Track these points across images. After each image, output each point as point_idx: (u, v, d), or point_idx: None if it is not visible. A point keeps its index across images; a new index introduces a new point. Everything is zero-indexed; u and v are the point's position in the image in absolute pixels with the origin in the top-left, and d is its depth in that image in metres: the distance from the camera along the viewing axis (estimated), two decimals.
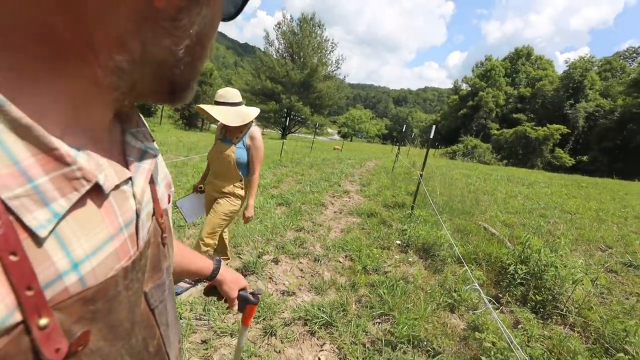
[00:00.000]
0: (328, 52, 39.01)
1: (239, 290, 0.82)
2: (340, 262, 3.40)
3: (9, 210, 0.22)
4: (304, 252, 3.47)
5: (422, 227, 4.27)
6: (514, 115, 47.65)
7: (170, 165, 6.90)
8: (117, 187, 0.32)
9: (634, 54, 52.38)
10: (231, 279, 0.80)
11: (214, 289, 0.80)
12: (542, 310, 2.79)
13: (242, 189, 2.44)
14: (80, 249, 0.27)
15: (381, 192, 6.88)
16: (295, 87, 35.91)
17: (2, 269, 0.21)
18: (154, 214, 0.39)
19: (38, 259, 0.24)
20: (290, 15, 38.90)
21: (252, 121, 2.37)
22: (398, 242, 4.02)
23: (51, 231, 0.24)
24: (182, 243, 0.67)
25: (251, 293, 0.85)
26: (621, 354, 2.15)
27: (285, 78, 35.37)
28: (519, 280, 3.04)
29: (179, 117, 33.52)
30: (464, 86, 57.46)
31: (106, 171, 0.30)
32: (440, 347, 2.20)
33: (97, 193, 0.29)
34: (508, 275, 3.13)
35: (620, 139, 35.64)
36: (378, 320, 2.48)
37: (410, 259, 3.59)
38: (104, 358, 0.30)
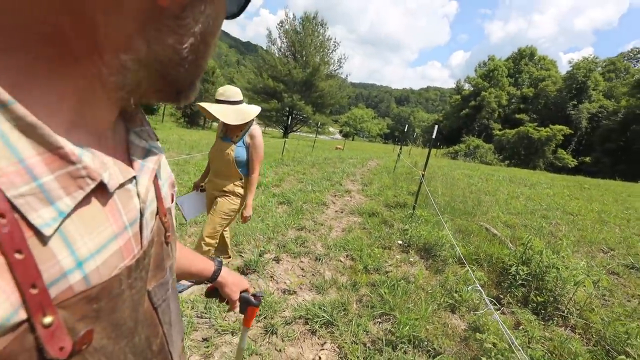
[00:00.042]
0: (330, 51, 38.96)
1: (241, 292, 0.82)
2: (341, 261, 3.40)
3: (14, 208, 0.22)
4: (305, 251, 3.47)
5: (424, 227, 4.26)
6: (517, 116, 47.51)
7: (172, 164, 6.92)
8: (121, 185, 0.32)
9: (639, 55, 52.09)
10: (232, 281, 0.79)
11: (215, 291, 0.80)
12: (543, 311, 2.78)
13: (242, 187, 2.43)
14: (85, 247, 0.27)
15: (383, 191, 6.87)
16: (297, 85, 35.88)
17: (7, 267, 0.22)
18: (157, 213, 0.39)
19: (43, 257, 0.24)
20: (293, 14, 38.87)
21: (252, 120, 2.35)
22: (399, 242, 4.02)
23: (56, 229, 0.25)
24: (182, 244, 0.67)
25: (253, 295, 0.84)
26: (622, 357, 2.14)
27: (288, 77, 35.35)
28: (520, 282, 3.04)
29: (180, 115, 33.59)
30: (467, 86, 57.36)
31: (111, 170, 0.30)
32: (440, 348, 2.20)
33: (101, 192, 0.29)
34: (509, 276, 3.12)
35: (623, 141, 35.49)
36: (379, 319, 2.48)
37: (411, 259, 3.59)
38: (107, 356, 0.30)
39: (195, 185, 2.66)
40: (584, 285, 2.72)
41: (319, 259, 3.34)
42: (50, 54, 0.25)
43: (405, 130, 15.96)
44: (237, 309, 0.83)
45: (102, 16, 0.25)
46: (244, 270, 2.91)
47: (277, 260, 3.22)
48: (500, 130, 44.40)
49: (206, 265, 0.74)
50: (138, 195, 0.35)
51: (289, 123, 35.92)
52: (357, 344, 2.16)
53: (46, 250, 0.24)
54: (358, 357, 2.04)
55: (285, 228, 4.03)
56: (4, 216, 0.21)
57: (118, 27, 0.26)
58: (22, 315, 0.22)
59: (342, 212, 5.22)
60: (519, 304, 2.89)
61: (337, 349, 2.13)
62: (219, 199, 2.40)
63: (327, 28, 38.64)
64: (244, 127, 2.36)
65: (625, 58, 51.66)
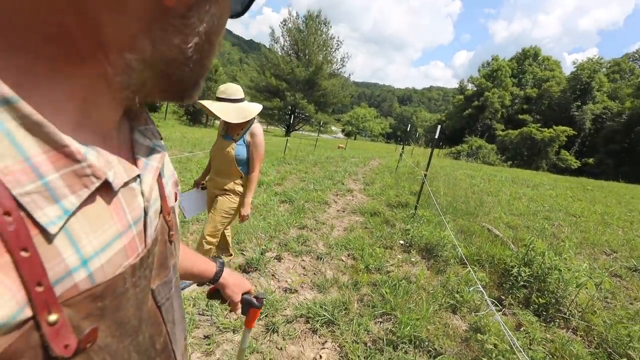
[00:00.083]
0: (333, 49, 38.93)
1: (243, 294, 0.81)
2: (342, 260, 3.40)
3: (20, 206, 0.22)
4: (307, 250, 3.48)
5: (426, 228, 4.26)
6: (520, 116, 47.33)
7: (174, 161, 6.93)
8: (125, 184, 0.32)
9: None
10: (234, 283, 0.78)
11: (217, 292, 0.79)
12: (544, 313, 2.77)
13: (242, 186, 2.42)
14: (90, 245, 0.27)
15: (385, 191, 6.87)
16: (300, 84, 35.88)
17: (13, 265, 0.22)
18: (161, 212, 0.39)
19: (48, 255, 0.24)
20: (296, 12, 38.81)
21: (254, 118, 2.33)
22: (401, 241, 4.02)
23: (61, 227, 0.25)
24: (185, 244, 0.67)
25: (255, 296, 0.83)
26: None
27: (290, 75, 35.35)
28: (522, 283, 3.03)
29: (183, 112, 33.64)
30: (470, 86, 57.15)
31: (115, 168, 0.30)
32: (441, 348, 2.20)
33: (106, 190, 0.29)
34: (511, 278, 3.11)
35: (627, 142, 35.29)
36: (380, 319, 2.48)
37: (412, 259, 3.59)
38: (111, 355, 0.30)
39: (195, 183, 2.65)
40: (586, 288, 2.71)
41: (321, 258, 3.34)
42: (55, 53, 0.25)
43: (408, 129, 15.94)
44: (239, 311, 0.82)
45: (107, 16, 0.25)
46: (245, 269, 2.92)
47: (278, 258, 3.22)
48: (503, 130, 44.23)
49: (208, 267, 0.73)
50: (142, 193, 0.35)
51: (291, 122, 35.90)
52: (358, 343, 2.16)
53: (51, 248, 0.24)
54: (359, 357, 2.04)
55: (287, 227, 4.04)
56: (10, 214, 0.21)
57: (123, 26, 0.26)
58: (28, 313, 0.23)
59: (343, 212, 5.22)
60: (520, 306, 2.89)
61: (337, 348, 2.13)
62: (219, 198, 2.40)
63: (331, 26, 38.62)
64: (245, 125, 2.34)
65: (630, 59, 51.34)
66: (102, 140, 0.30)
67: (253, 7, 0.38)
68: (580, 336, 2.58)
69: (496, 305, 2.79)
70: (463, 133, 48.99)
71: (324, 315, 2.35)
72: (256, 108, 2.33)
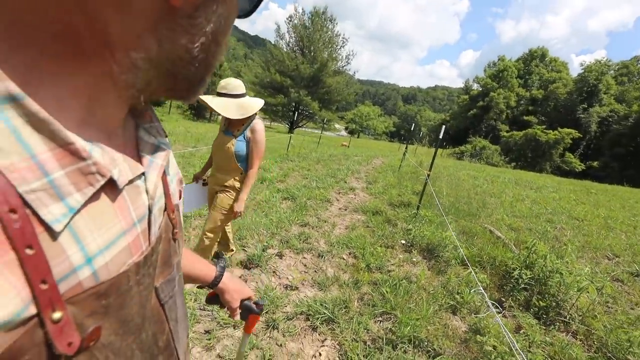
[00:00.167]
0: (339, 47, 38.74)
1: (243, 300, 0.79)
2: (343, 259, 3.40)
3: (25, 203, 0.22)
4: (308, 248, 3.48)
5: (427, 228, 4.25)
6: (525, 118, 47.03)
7: (178, 156, 6.95)
8: (130, 182, 0.32)
9: None
10: (234, 288, 0.76)
11: (216, 297, 0.77)
12: (545, 316, 2.77)
13: (241, 183, 2.40)
14: (94, 243, 0.27)
15: (387, 190, 6.86)
16: (305, 81, 35.78)
17: (18, 262, 0.22)
18: (165, 209, 0.39)
19: (53, 252, 0.24)
20: (302, 9, 38.46)
21: (255, 114, 2.29)
22: (402, 241, 4.01)
23: (66, 225, 0.25)
24: (185, 246, 0.67)
25: (255, 303, 0.81)
26: None
27: (295, 72, 35.25)
28: (522, 285, 3.02)
29: (187, 107, 33.66)
30: (475, 86, 56.83)
31: (120, 166, 0.30)
32: (440, 349, 2.20)
33: (111, 188, 0.29)
34: (512, 280, 3.11)
35: (633, 146, 35.00)
36: (380, 318, 2.49)
37: (414, 259, 3.59)
38: (115, 352, 0.30)
39: (195, 177, 2.61)
40: (588, 292, 2.70)
41: (322, 256, 3.35)
42: (62, 51, 0.25)
43: (412, 129, 15.89)
44: (237, 317, 0.80)
45: (113, 15, 0.25)
46: (247, 265, 2.93)
47: (280, 255, 3.23)
48: (507, 131, 43.97)
49: (208, 270, 0.71)
50: (147, 191, 0.35)
51: (295, 118, 35.89)
52: (357, 341, 2.17)
53: (56, 245, 0.24)
54: (358, 355, 2.05)
55: (289, 224, 4.04)
56: (16, 212, 0.21)
57: (129, 25, 0.26)
58: (32, 310, 0.23)
59: (345, 210, 5.22)
60: (520, 308, 2.88)
61: (337, 346, 2.14)
62: (219, 195, 2.38)
63: (336, 23, 38.43)
64: (246, 121, 2.30)
65: (639, 62, 50.76)
66: (107, 138, 0.30)
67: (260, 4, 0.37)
68: (580, 340, 2.57)
69: (496, 307, 2.79)
70: (467, 133, 48.77)
71: (324, 313, 2.35)
72: (257, 103, 2.28)
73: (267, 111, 36.41)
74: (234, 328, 2.12)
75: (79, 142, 0.25)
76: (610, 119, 39.81)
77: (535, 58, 52.97)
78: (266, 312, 2.31)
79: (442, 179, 9.35)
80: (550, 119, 44.27)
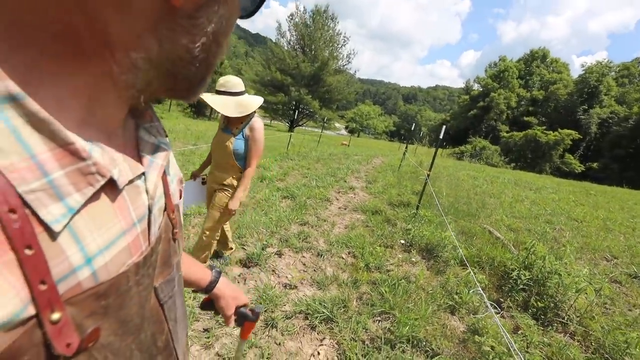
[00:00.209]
0: (340, 45, 38.72)
1: (239, 307, 0.77)
2: (343, 258, 3.40)
3: (25, 204, 0.22)
4: (308, 247, 3.48)
5: (427, 228, 4.25)
6: (525, 118, 47.07)
7: (177, 154, 6.95)
8: (130, 182, 0.32)
9: None
10: (230, 295, 0.74)
11: (211, 303, 0.74)
12: (543, 317, 2.77)
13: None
14: (94, 243, 0.27)
15: (387, 190, 6.86)
16: (305, 79, 35.75)
17: (17, 262, 0.22)
18: (165, 209, 0.39)
19: (52, 253, 0.24)
20: (304, 7, 38.38)
21: (254, 112, 2.27)
22: (402, 241, 4.02)
23: (65, 225, 0.25)
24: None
25: (251, 310, 0.79)
26: None
27: (296, 70, 35.21)
28: (521, 286, 3.03)
29: (187, 105, 33.64)
30: (476, 86, 56.84)
31: (120, 166, 0.30)
32: (439, 349, 2.21)
33: (111, 188, 0.29)
34: (511, 280, 3.11)
35: (633, 147, 35.05)
36: (378, 318, 2.49)
37: (413, 259, 3.59)
38: (114, 353, 0.30)
39: (193, 175, 2.60)
40: (586, 293, 2.70)
41: (321, 255, 3.35)
42: (62, 51, 0.25)
43: (412, 128, 15.89)
44: (232, 324, 0.78)
45: (113, 15, 0.25)
46: (246, 263, 2.93)
47: (279, 254, 3.23)
48: (507, 132, 44.03)
49: (203, 275, 0.70)
50: (147, 191, 0.35)
51: (295, 117, 35.85)
52: (356, 341, 2.17)
53: (55, 246, 0.24)
54: (356, 354, 2.05)
55: (289, 222, 4.04)
56: (15, 212, 0.21)
57: (129, 25, 0.26)
58: (31, 311, 0.23)
59: (345, 209, 5.22)
60: (519, 309, 2.88)
61: (335, 345, 2.14)
62: (217, 193, 2.37)
63: (338, 22, 38.37)
64: (245, 119, 2.28)
65: None
66: (107, 138, 0.30)
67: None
68: (578, 341, 2.58)
69: (495, 308, 2.79)
70: (467, 133, 48.80)
71: (323, 312, 2.36)
72: (256, 101, 2.26)
73: (268, 109, 36.41)
74: (232, 327, 2.12)
75: (79, 142, 0.25)
76: (610, 121, 39.84)
77: (536, 59, 52.94)
78: (265, 311, 2.32)
79: (441, 179, 9.36)
80: (551, 119, 44.32)
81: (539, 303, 2.83)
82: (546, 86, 48.61)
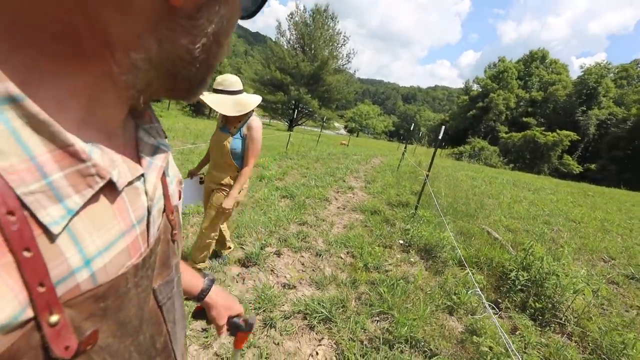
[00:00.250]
0: (339, 45, 38.69)
1: (232, 317, 0.74)
2: (341, 258, 3.40)
3: (24, 205, 0.22)
4: (306, 246, 3.48)
5: (425, 228, 4.26)
6: (524, 119, 47.19)
7: (176, 153, 6.94)
8: (129, 183, 0.32)
9: None
10: (222, 304, 0.71)
11: (203, 312, 0.71)
12: (540, 317, 2.78)
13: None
14: (93, 245, 0.27)
15: (386, 190, 6.86)
16: (305, 79, 35.73)
17: (15, 265, 0.21)
18: (164, 211, 0.39)
19: (51, 255, 0.24)
20: (304, 6, 38.30)
21: (252, 110, 2.25)
22: (400, 241, 4.02)
23: (64, 227, 0.24)
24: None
25: (244, 320, 0.75)
26: None
27: (295, 69, 35.18)
28: (519, 287, 3.03)
29: (186, 103, 33.59)
30: (475, 87, 56.92)
31: (119, 168, 0.30)
32: (437, 349, 2.21)
33: (110, 189, 0.29)
34: (509, 281, 3.12)
35: (631, 149, 35.19)
36: (377, 318, 2.49)
37: (411, 259, 3.59)
38: (112, 355, 0.30)
39: (190, 174, 2.59)
40: (583, 294, 2.71)
41: (320, 255, 3.35)
42: (62, 51, 0.25)
43: (411, 128, 15.89)
44: (224, 334, 0.74)
45: (113, 15, 0.25)
46: (244, 263, 2.93)
47: (278, 254, 3.23)
48: (506, 133, 44.14)
49: (195, 282, 0.67)
50: (146, 192, 0.34)
51: (294, 116, 35.81)
52: (354, 341, 2.17)
53: (54, 248, 0.24)
54: (355, 355, 2.05)
55: (287, 222, 4.04)
56: (14, 214, 0.21)
57: (129, 26, 0.26)
58: (30, 313, 0.22)
59: (344, 209, 5.22)
60: (516, 309, 2.89)
61: (334, 345, 2.14)
62: (215, 193, 2.36)
63: (338, 22, 38.36)
64: (243, 118, 2.25)
65: (639, 65, 50.89)
66: (107, 139, 0.30)
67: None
68: (575, 342, 2.59)
69: (493, 308, 2.80)
70: (466, 134, 48.90)
71: (322, 312, 2.36)
72: (254, 100, 2.23)
73: (267, 108, 36.36)
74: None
75: (79, 144, 0.25)
76: (608, 122, 39.97)
77: (535, 60, 53.05)
78: (263, 311, 2.32)
79: (440, 180, 9.37)
80: (549, 120, 44.43)
81: (536, 304, 2.83)
82: (545, 87, 48.73)
